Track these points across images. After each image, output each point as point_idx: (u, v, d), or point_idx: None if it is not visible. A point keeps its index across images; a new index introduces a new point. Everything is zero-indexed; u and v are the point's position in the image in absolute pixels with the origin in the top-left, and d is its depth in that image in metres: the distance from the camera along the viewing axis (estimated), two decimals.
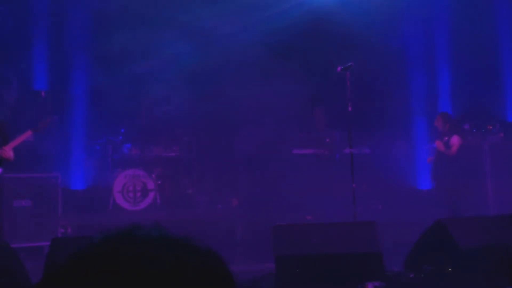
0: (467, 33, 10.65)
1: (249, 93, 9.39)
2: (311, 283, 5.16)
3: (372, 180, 9.37)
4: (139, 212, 8.89)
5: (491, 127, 9.61)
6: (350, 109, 6.75)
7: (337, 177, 8.67)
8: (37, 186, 7.60)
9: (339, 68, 6.87)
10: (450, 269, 5.11)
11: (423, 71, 11.00)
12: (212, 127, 9.72)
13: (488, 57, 10.82)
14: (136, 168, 9.19)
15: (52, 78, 9.94)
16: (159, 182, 9.29)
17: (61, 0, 9.95)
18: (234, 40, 9.83)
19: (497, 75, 10.93)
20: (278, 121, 9.57)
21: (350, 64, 6.77)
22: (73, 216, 8.34)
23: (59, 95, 9.73)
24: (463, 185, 8.69)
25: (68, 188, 9.28)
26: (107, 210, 8.91)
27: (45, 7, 9.90)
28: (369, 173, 9.12)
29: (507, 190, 8.83)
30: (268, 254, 5.53)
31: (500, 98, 10.84)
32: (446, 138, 8.70)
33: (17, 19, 9.67)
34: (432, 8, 11.07)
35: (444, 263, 5.15)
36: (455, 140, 8.61)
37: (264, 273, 5.64)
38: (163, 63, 10.20)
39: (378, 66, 10.42)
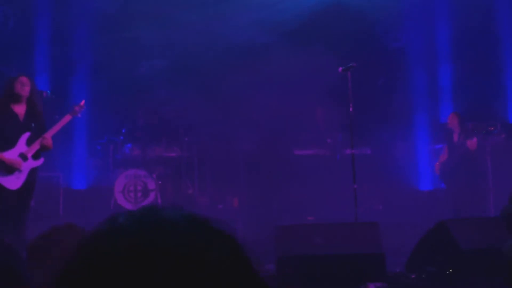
0: (469, 34, 10.65)
1: (251, 94, 9.39)
2: (312, 284, 5.15)
3: (373, 181, 9.36)
4: None
5: (492, 128, 9.61)
6: (351, 109, 6.74)
7: (338, 177, 8.66)
8: (38, 186, 7.60)
9: (340, 69, 6.85)
10: (451, 270, 5.10)
11: (424, 71, 10.99)
12: (213, 128, 9.71)
13: (490, 58, 10.82)
14: (137, 168, 9.19)
15: (54, 78, 9.94)
16: (160, 182, 9.29)
17: (63, 0, 9.95)
18: (235, 40, 9.83)
19: (499, 76, 10.92)
20: (279, 122, 9.57)
21: (351, 64, 6.75)
22: (74, 215, 8.34)
23: (61, 95, 9.73)
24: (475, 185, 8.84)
25: (70, 187, 9.29)
26: (108, 210, 8.91)
27: (47, 7, 9.91)
28: (370, 174, 9.11)
29: (509, 191, 8.80)
30: (270, 255, 5.52)
31: (502, 99, 10.83)
32: (462, 137, 8.80)
33: (19, 19, 9.67)
34: (434, 9, 11.06)
35: (446, 264, 5.14)
36: (475, 139, 8.71)
37: (266, 274, 5.63)
38: (165, 62, 10.21)
39: (379, 67, 10.42)
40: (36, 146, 5.92)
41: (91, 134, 9.70)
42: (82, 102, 6.47)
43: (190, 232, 0.75)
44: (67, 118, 6.23)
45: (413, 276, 5.28)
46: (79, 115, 6.45)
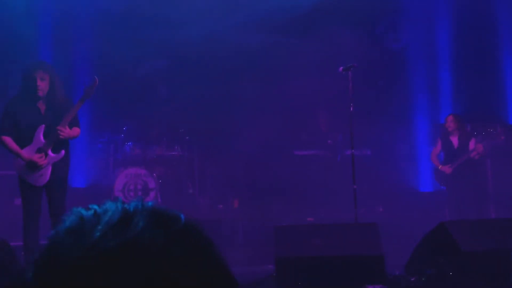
0: (469, 34, 10.63)
1: (251, 94, 9.38)
2: (311, 285, 5.14)
3: (373, 182, 9.35)
4: None
5: (491, 130, 9.59)
6: (351, 109, 6.72)
7: (338, 178, 8.65)
8: None
9: (340, 68, 6.84)
10: (451, 273, 5.08)
11: (424, 72, 10.98)
12: (214, 127, 9.70)
13: (490, 58, 10.80)
14: (137, 167, 9.17)
15: None
16: (160, 182, 9.27)
17: (66, 0, 9.94)
18: (235, 40, 9.82)
19: (499, 77, 10.90)
20: (280, 122, 9.56)
21: (352, 64, 6.74)
22: None
23: None
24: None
25: (69, 186, 9.26)
26: None
27: (50, 7, 9.90)
28: (370, 175, 9.10)
29: (509, 193, 8.80)
30: (269, 256, 5.51)
31: (502, 100, 10.81)
32: (463, 140, 8.79)
33: (22, 18, 9.65)
34: (434, 9, 11.05)
35: (446, 266, 5.12)
36: (481, 147, 8.72)
37: (265, 274, 5.61)
38: (166, 62, 10.19)
39: (379, 67, 10.41)
40: (53, 140, 5.55)
41: (92, 133, 9.69)
42: (94, 83, 5.64)
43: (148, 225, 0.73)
44: (79, 105, 5.68)
45: (412, 279, 5.26)
46: (89, 97, 5.72)
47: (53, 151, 5.62)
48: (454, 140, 8.88)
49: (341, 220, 7.19)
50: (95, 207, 0.76)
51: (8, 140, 5.58)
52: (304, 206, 8.98)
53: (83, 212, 0.76)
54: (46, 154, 5.58)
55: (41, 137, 5.58)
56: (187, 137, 9.62)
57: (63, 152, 5.67)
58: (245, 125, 9.50)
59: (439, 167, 8.94)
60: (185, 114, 9.47)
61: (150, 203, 0.78)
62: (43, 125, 5.59)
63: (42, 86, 5.55)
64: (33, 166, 5.53)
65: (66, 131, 5.56)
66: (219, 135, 9.79)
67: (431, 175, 9.87)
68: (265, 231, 6.72)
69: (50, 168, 5.59)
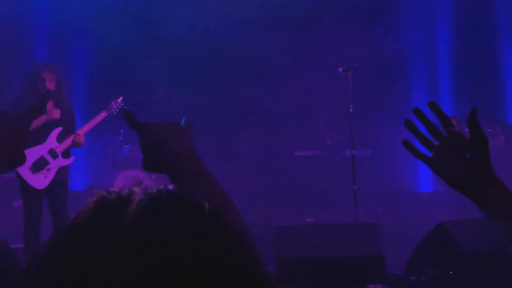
0: (469, 34, 10.63)
1: (251, 94, 9.37)
2: (312, 286, 5.12)
3: (373, 182, 9.33)
4: None
5: (491, 130, 9.57)
6: (351, 110, 6.72)
7: (338, 179, 8.64)
8: None
9: (340, 69, 6.84)
10: (452, 272, 5.07)
11: (424, 72, 10.97)
12: (213, 128, 9.69)
13: (490, 59, 10.80)
14: (136, 169, 9.15)
15: None
16: (159, 183, 9.26)
17: (62, 0, 9.94)
18: (235, 40, 9.81)
19: (499, 77, 10.89)
20: (280, 122, 9.55)
21: (352, 64, 6.73)
22: (72, 216, 8.28)
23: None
24: None
25: (68, 188, 9.24)
26: None
27: (46, 6, 9.90)
28: (370, 175, 9.08)
29: None
30: (269, 256, 5.49)
31: (502, 101, 10.81)
32: None
33: (18, 20, 9.65)
34: (434, 10, 11.05)
35: (447, 266, 5.11)
36: None
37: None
38: (164, 62, 10.19)
39: (379, 67, 10.41)
40: (67, 143, 5.56)
41: (89, 134, 9.67)
42: (120, 99, 6.02)
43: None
44: (103, 114, 5.89)
45: (413, 278, 5.25)
46: (115, 112, 6.02)
47: (63, 155, 5.61)
48: None
49: (341, 220, 7.17)
50: (118, 191, 0.75)
51: None
52: (304, 207, 8.97)
53: (108, 198, 0.74)
54: (56, 156, 5.56)
55: (55, 139, 5.56)
56: None
57: (73, 157, 5.70)
58: (245, 126, 9.49)
59: None
60: (183, 115, 9.45)
61: (173, 189, 0.77)
62: (61, 128, 5.57)
63: (49, 87, 5.53)
64: (40, 166, 5.49)
65: (83, 138, 5.65)
66: (218, 135, 9.77)
67: (431, 175, 9.86)
68: (265, 231, 6.70)
69: (55, 171, 5.57)
